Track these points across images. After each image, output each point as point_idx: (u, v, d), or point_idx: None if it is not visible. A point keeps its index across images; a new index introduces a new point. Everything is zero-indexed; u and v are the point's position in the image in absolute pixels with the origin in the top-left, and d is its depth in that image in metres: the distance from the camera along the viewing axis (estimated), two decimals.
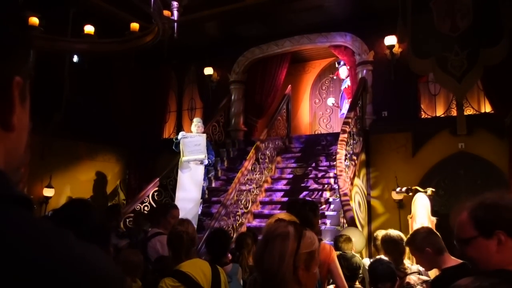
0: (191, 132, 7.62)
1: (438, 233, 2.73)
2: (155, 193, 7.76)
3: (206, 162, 7.28)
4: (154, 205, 7.31)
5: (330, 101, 9.45)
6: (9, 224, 0.49)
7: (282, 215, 2.31)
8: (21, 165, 0.63)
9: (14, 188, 0.55)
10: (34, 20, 5.33)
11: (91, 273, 0.50)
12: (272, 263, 1.39)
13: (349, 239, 4.05)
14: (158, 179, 7.91)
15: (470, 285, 1.34)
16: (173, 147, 7.45)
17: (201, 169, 7.23)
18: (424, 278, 3.17)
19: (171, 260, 2.73)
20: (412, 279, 3.14)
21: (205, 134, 7.42)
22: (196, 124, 7.63)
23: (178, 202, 7.05)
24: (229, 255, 3.94)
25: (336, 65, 9.39)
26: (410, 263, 3.65)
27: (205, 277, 2.50)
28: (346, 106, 8.76)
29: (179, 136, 7.30)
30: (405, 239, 3.49)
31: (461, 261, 2.40)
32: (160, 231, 4.04)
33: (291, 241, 1.43)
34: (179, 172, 7.32)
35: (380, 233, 4.10)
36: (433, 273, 3.62)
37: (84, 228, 1.40)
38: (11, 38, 0.58)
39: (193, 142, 7.24)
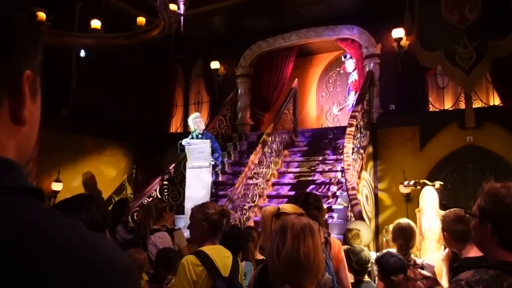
0: (191, 129, 7.59)
1: (465, 221, 2.70)
2: (163, 188, 7.81)
3: (212, 165, 7.24)
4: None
5: (335, 110, 9.46)
6: (24, 214, 0.50)
7: (288, 207, 2.31)
8: (30, 159, 0.64)
9: (27, 180, 0.56)
10: (41, 15, 5.35)
11: (105, 262, 0.50)
12: (309, 253, 1.56)
13: (357, 235, 4.05)
14: (164, 173, 7.97)
15: (471, 279, 1.33)
16: (179, 151, 7.45)
17: (207, 171, 7.22)
18: (426, 273, 3.15)
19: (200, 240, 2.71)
20: (414, 272, 3.13)
21: (208, 141, 7.27)
22: (196, 122, 7.47)
23: (187, 200, 7.09)
24: None
25: (343, 59, 9.34)
26: (416, 257, 3.64)
27: (224, 265, 2.49)
28: (351, 97, 8.80)
29: (183, 143, 7.26)
30: (415, 227, 3.48)
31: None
32: (156, 228, 4.07)
33: (319, 234, 1.66)
34: (187, 170, 7.32)
35: (392, 227, 4.09)
36: (438, 268, 3.62)
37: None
38: (20, 32, 0.58)
39: (197, 149, 7.16)
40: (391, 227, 4.12)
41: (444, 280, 3.06)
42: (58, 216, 0.53)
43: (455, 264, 2.59)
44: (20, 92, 0.57)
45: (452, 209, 2.92)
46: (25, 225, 0.49)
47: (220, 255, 2.53)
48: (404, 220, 3.56)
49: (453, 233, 2.61)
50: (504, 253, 1.36)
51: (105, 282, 0.49)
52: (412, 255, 3.48)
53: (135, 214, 6.77)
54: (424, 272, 3.15)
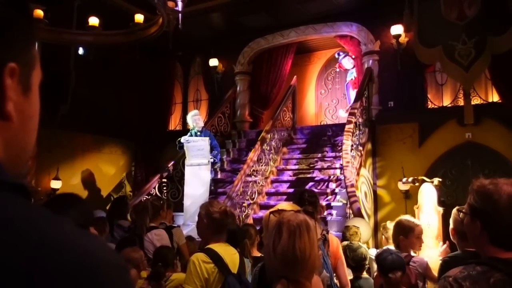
0: (190, 127, 7.58)
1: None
2: (162, 185, 7.81)
3: (211, 163, 7.24)
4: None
5: (342, 113, 9.31)
6: (1, 209, 0.48)
7: (285, 205, 2.32)
8: (27, 158, 0.61)
9: (8, 175, 0.54)
10: (39, 13, 5.34)
11: (87, 259, 0.48)
12: (304, 249, 1.58)
13: (355, 233, 4.06)
14: (163, 171, 7.97)
15: (458, 275, 1.34)
16: (177, 149, 7.44)
17: (206, 169, 7.21)
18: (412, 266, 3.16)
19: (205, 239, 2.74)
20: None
21: (207, 138, 7.27)
22: (194, 119, 7.43)
23: (186, 198, 7.09)
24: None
25: (336, 56, 9.32)
26: (414, 253, 3.65)
27: (232, 262, 2.53)
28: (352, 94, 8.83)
29: (182, 140, 7.25)
30: (415, 222, 3.49)
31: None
32: (153, 225, 4.06)
33: (315, 231, 1.68)
34: (186, 168, 7.31)
35: (389, 224, 4.10)
36: (436, 265, 3.62)
37: None
38: (2, 23, 0.56)
39: (196, 147, 7.15)
40: (388, 224, 4.13)
41: None
42: (42, 213, 0.50)
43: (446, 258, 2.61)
44: (1, 86, 0.55)
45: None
46: (3, 222, 0.47)
47: (228, 252, 2.57)
48: (404, 217, 3.57)
49: (458, 230, 2.62)
50: (494, 249, 1.37)
51: (92, 281, 0.47)
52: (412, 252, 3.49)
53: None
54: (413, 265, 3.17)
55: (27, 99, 0.59)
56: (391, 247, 3.40)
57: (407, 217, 3.58)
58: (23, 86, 0.58)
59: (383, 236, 4.60)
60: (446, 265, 2.34)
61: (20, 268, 0.44)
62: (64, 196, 1.74)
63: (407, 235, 3.35)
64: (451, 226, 2.71)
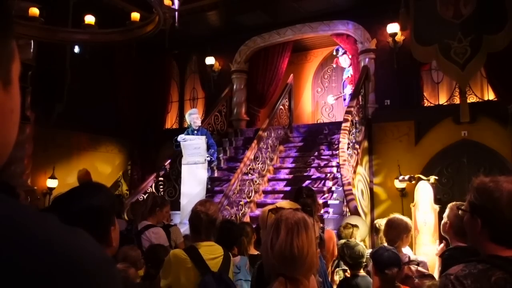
0: (188, 125, 7.58)
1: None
2: (159, 184, 7.80)
3: (207, 161, 7.25)
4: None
5: (331, 99, 9.53)
6: None
7: (284, 203, 2.33)
8: (7, 153, 0.59)
9: None
10: (35, 11, 5.30)
11: (77, 254, 0.48)
12: (302, 247, 1.58)
13: (351, 231, 4.07)
14: (160, 169, 7.96)
15: (460, 273, 1.34)
16: (174, 148, 7.45)
17: (203, 167, 7.21)
18: (423, 270, 3.16)
19: (191, 238, 2.76)
20: (411, 269, 3.13)
21: (204, 137, 7.27)
22: (192, 118, 7.43)
23: (183, 196, 7.09)
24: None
25: (334, 53, 9.36)
26: (411, 252, 3.66)
27: (214, 261, 2.53)
28: (348, 89, 8.86)
29: (179, 139, 7.25)
30: (408, 222, 3.50)
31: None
32: (151, 223, 4.04)
33: (313, 229, 1.68)
34: (182, 166, 7.31)
35: (381, 221, 4.10)
36: (432, 262, 3.64)
37: (74, 209, 1.41)
38: None
39: (192, 145, 7.16)
40: (381, 222, 4.13)
41: (437, 275, 3.08)
42: (27, 210, 0.50)
43: (446, 252, 2.60)
44: None
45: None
46: None
47: (211, 251, 2.57)
48: (395, 216, 3.58)
49: (455, 227, 2.62)
50: (495, 247, 1.37)
51: (83, 275, 0.47)
52: (408, 252, 3.49)
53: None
54: (421, 269, 3.16)
55: (7, 93, 0.57)
56: (386, 244, 3.41)
57: (396, 216, 3.58)
58: (2, 80, 0.56)
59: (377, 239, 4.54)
60: (450, 259, 2.32)
61: (11, 263, 0.44)
62: (91, 183, 1.77)
63: (410, 231, 3.39)
64: (445, 220, 2.70)
